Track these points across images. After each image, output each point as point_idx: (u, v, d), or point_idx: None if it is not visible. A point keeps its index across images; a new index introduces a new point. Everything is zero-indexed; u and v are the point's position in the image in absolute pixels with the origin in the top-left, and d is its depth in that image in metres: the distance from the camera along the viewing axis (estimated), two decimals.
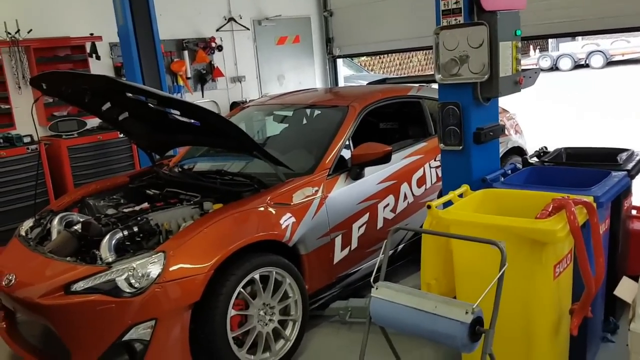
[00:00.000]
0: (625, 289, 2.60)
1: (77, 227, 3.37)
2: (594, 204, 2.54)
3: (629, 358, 2.41)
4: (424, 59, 22.16)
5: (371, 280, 2.37)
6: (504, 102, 4.13)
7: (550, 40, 25.66)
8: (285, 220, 3.27)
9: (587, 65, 22.83)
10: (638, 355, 2.35)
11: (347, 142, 3.86)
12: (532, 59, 24.11)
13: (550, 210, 2.42)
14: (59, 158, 5.65)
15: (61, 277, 2.89)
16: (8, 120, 5.56)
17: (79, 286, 2.82)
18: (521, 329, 2.49)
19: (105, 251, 3.00)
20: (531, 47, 25.92)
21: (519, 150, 5.10)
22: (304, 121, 4.63)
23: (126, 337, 2.77)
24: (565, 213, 2.38)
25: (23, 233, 3.62)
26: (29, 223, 3.74)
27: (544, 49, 26.38)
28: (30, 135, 5.39)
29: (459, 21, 3.05)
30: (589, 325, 2.78)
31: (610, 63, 22.34)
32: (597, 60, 22.57)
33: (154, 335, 2.77)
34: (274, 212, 3.27)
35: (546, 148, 3.70)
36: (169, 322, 2.79)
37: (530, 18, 4.41)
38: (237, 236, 3.03)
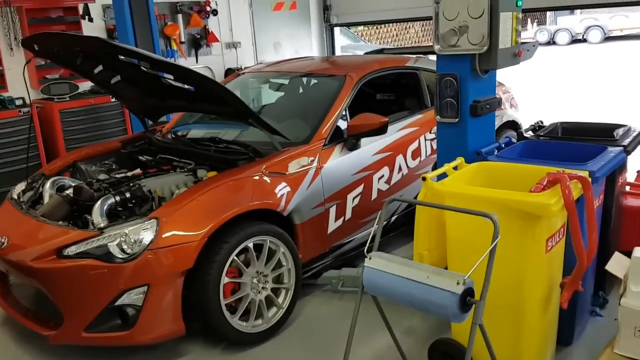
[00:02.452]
0: (617, 264, 2.63)
1: (69, 191, 3.36)
2: (589, 179, 2.54)
3: (618, 331, 2.45)
4: (421, 30, 21.96)
5: (365, 251, 2.38)
6: (499, 75, 4.10)
7: (548, 14, 25.44)
8: (280, 190, 3.26)
9: (584, 40, 22.69)
10: (627, 329, 2.39)
11: (343, 113, 3.83)
12: (530, 32, 23.92)
13: (545, 184, 2.42)
14: (51, 121, 5.60)
15: (53, 241, 2.89)
16: (0, 83, 5.48)
17: (71, 250, 2.82)
18: (512, 301, 2.51)
19: (97, 216, 2.99)
20: (529, 20, 25.69)
21: (513, 124, 5.08)
22: (301, 90, 4.58)
23: (118, 302, 2.78)
24: (560, 187, 2.38)
25: (15, 196, 3.60)
26: (21, 186, 3.72)
27: (541, 22, 26.16)
28: (23, 98, 5.32)
29: None
30: (579, 300, 2.81)
31: (608, 38, 22.21)
32: (594, 35, 22.42)
33: (146, 301, 2.78)
34: (269, 181, 3.25)
35: (542, 122, 3.69)
36: (161, 288, 2.80)
37: None
38: (231, 204, 3.02)
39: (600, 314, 3.15)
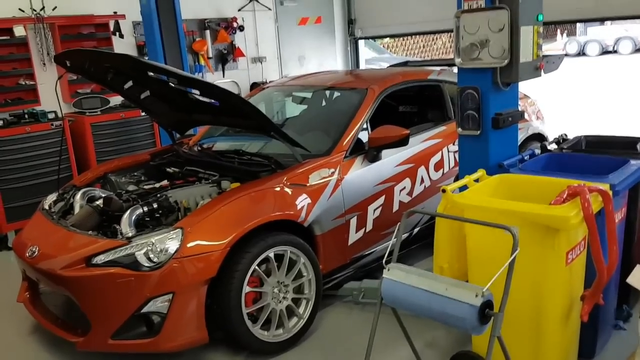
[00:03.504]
0: (638, 277, 2.59)
1: (99, 202, 3.46)
2: (610, 192, 2.52)
3: (639, 344, 2.42)
4: (448, 42, 21.90)
5: (383, 262, 2.41)
6: (526, 87, 4.09)
7: (578, 25, 25.12)
8: (301, 201, 3.31)
9: (615, 52, 22.34)
10: None
11: (365, 125, 3.87)
12: (559, 43, 23.64)
13: (564, 196, 2.42)
14: (83, 135, 5.75)
15: (83, 250, 2.99)
16: (33, 97, 5.67)
17: (100, 259, 2.91)
18: (531, 314, 2.50)
19: (126, 226, 3.08)
20: (558, 31, 25.40)
21: (539, 137, 5.05)
22: (323, 103, 4.64)
23: (144, 310, 2.85)
24: (580, 200, 2.37)
25: (46, 207, 3.72)
26: (52, 197, 3.84)
27: (571, 33, 25.84)
28: (55, 112, 5.49)
29: (480, 5, 3.02)
30: (601, 313, 2.79)
31: (639, 49, 21.83)
32: (625, 46, 22.07)
33: (171, 309, 2.85)
34: (290, 192, 3.31)
35: (566, 135, 3.67)
36: (185, 296, 2.87)
37: (556, 2, 4.34)
38: (253, 215, 3.08)
39: (623, 328, 3.11)
